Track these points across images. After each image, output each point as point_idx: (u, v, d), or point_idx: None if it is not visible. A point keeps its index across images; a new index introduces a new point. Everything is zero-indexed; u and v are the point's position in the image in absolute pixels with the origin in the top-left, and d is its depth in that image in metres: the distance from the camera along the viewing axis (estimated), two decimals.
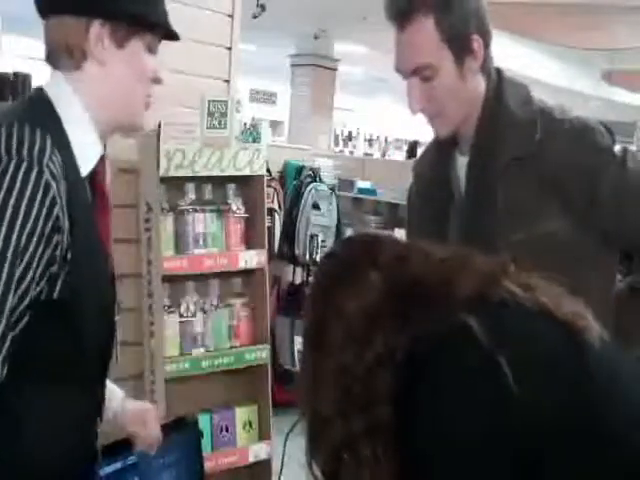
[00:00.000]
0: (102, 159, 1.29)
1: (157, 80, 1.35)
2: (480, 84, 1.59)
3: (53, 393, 1.19)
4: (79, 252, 1.16)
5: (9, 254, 1.07)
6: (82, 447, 1.30)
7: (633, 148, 1.74)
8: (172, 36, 1.37)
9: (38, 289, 1.12)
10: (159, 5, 1.34)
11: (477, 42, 1.55)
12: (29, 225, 1.08)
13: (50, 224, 1.11)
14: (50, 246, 1.12)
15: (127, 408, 1.49)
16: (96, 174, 1.27)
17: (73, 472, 1.27)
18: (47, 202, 1.10)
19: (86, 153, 1.24)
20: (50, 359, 1.18)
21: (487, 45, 1.57)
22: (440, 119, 1.60)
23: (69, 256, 1.15)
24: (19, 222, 1.08)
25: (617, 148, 1.57)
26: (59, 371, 1.20)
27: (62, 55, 1.25)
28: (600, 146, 1.55)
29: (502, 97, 1.59)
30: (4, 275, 1.06)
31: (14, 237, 1.07)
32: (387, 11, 1.56)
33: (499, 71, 1.63)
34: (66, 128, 1.22)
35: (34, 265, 1.10)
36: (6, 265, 1.07)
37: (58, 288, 1.15)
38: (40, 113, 1.21)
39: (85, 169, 1.23)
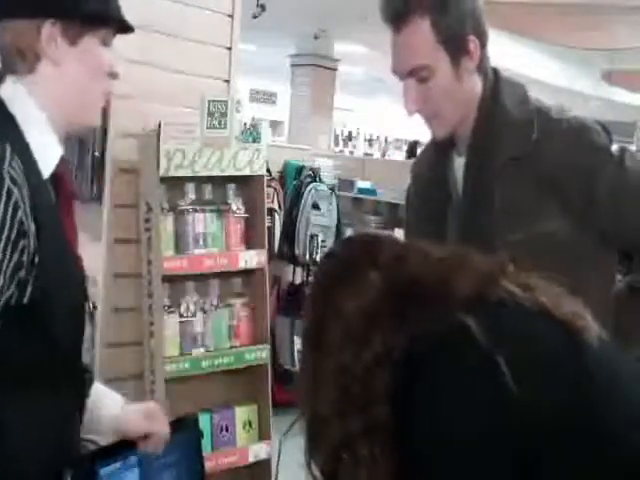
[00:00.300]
0: (63, 160, 1.28)
1: (113, 74, 1.32)
2: (477, 84, 1.59)
3: (27, 396, 1.18)
4: (47, 255, 1.16)
5: None
6: (62, 448, 1.29)
7: (633, 148, 1.74)
8: (127, 29, 1.34)
9: (8, 294, 1.12)
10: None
11: (473, 43, 1.55)
12: None
13: (15, 229, 1.10)
14: (17, 251, 1.11)
15: (130, 410, 1.49)
16: (59, 175, 1.26)
17: (54, 472, 1.27)
18: (10, 208, 1.09)
19: (46, 155, 1.23)
20: (21, 362, 1.17)
21: (483, 45, 1.57)
22: (437, 120, 1.60)
23: (37, 260, 1.14)
24: None
25: (614, 147, 1.57)
26: (31, 374, 1.19)
27: (15, 59, 1.23)
28: (597, 145, 1.55)
29: (499, 97, 1.59)
30: None
31: None
32: (383, 13, 1.57)
33: (496, 71, 1.63)
34: (24, 131, 1.21)
35: (2, 271, 1.10)
36: None
37: (28, 293, 1.14)
38: None
39: (47, 171, 1.22)
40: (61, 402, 1.26)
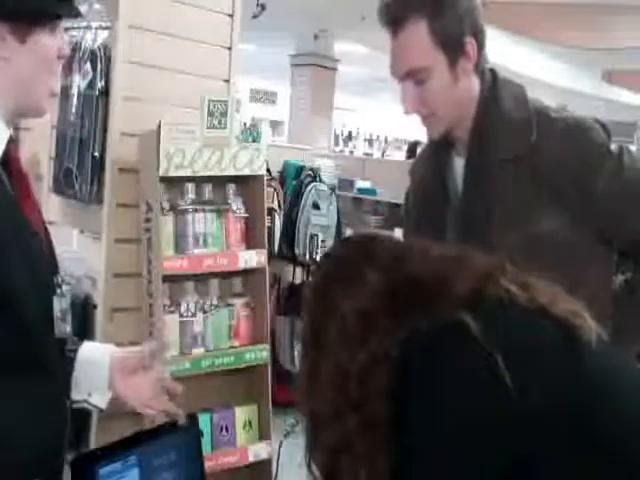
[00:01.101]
0: (12, 141, 1.29)
1: (62, 57, 1.33)
2: (474, 84, 1.59)
3: (7, 383, 1.19)
4: (3, 241, 1.16)
5: None
6: (53, 430, 1.29)
7: (633, 148, 1.75)
8: (74, 16, 1.34)
9: None
10: None
11: (471, 44, 1.55)
12: None
13: None
14: None
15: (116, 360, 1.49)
16: (8, 157, 1.27)
17: (46, 460, 1.28)
18: None
19: None
20: None
21: (481, 45, 1.57)
22: (433, 119, 1.61)
23: None
24: None
25: (613, 146, 1.57)
26: (7, 359, 1.19)
27: None
28: (595, 144, 1.56)
29: (497, 97, 1.59)
30: None
31: None
32: (380, 17, 1.57)
33: (494, 71, 1.63)
34: None
35: None
36: None
37: None
38: None
39: None
40: (44, 384, 1.26)
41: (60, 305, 1.32)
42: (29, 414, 1.22)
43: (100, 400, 1.48)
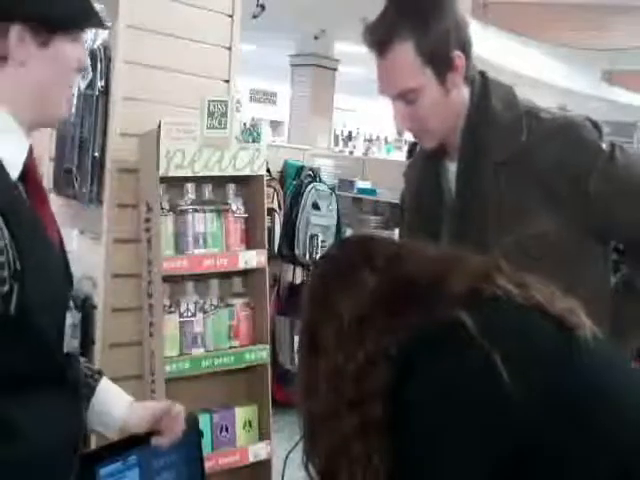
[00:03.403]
0: (31, 152, 1.26)
1: (81, 69, 1.31)
2: (464, 94, 1.59)
3: (29, 398, 1.18)
4: (29, 258, 1.15)
5: None
6: (70, 443, 1.30)
7: (633, 148, 1.75)
8: (97, 25, 1.33)
9: None
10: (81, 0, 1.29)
11: (459, 57, 1.54)
12: None
13: None
14: None
15: (138, 409, 1.49)
16: (27, 170, 1.24)
17: (65, 469, 1.28)
18: None
19: (13, 157, 1.20)
20: (17, 367, 1.17)
21: (468, 56, 1.56)
22: (426, 134, 1.61)
23: (19, 267, 1.13)
24: None
25: (604, 143, 1.57)
26: (28, 376, 1.19)
27: None
28: (586, 142, 1.55)
29: (487, 101, 1.59)
30: None
31: None
32: (365, 40, 1.56)
33: (483, 75, 1.62)
34: None
35: None
36: None
37: (14, 302, 1.13)
38: None
39: (15, 172, 1.20)
40: (62, 399, 1.26)
41: (72, 320, 1.31)
42: (47, 415, 1.22)
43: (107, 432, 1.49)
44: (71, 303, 1.32)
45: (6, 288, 1.12)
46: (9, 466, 1.15)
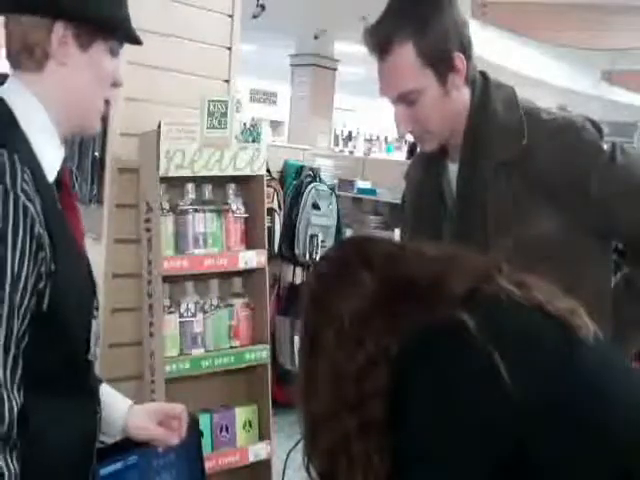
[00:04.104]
0: (65, 161, 1.29)
1: (117, 84, 1.33)
2: (465, 95, 1.59)
3: (52, 399, 1.20)
4: (62, 261, 1.18)
5: (7, 284, 1.09)
6: (86, 446, 1.32)
7: (634, 147, 1.75)
8: (134, 40, 1.34)
9: (31, 307, 1.14)
10: (123, 9, 1.32)
11: (459, 58, 1.54)
12: (19, 249, 1.10)
13: (35, 244, 1.12)
14: (37, 264, 1.13)
15: (138, 411, 1.49)
16: (60, 174, 1.27)
17: (81, 471, 1.30)
18: (28, 225, 1.11)
19: (51, 160, 1.23)
20: (44, 367, 1.19)
21: (469, 57, 1.56)
22: (426, 136, 1.61)
23: (53, 268, 1.16)
24: (9, 246, 1.09)
25: (605, 144, 1.57)
26: (53, 377, 1.21)
27: (22, 54, 1.23)
28: (587, 143, 1.55)
29: (488, 103, 1.59)
30: (6, 305, 1.09)
31: (8, 264, 1.09)
32: (366, 44, 1.55)
33: (484, 75, 1.62)
34: (29, 137, 1.21)
35: (28, 287, 1.12)
36: (6, 295, 1.09)
37: (46, 301, 1.16)
38: (2, 128, 1.19)
39: (51, 175, 1.23)
40: (83, 402, 1.29)
41: (96, 327, 1.34)
42: (63, 418, 1.23)
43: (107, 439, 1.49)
44: (95, 312, 1.34)
45: (42, 284, 1.15)
46: (29, 465, 1.15)
